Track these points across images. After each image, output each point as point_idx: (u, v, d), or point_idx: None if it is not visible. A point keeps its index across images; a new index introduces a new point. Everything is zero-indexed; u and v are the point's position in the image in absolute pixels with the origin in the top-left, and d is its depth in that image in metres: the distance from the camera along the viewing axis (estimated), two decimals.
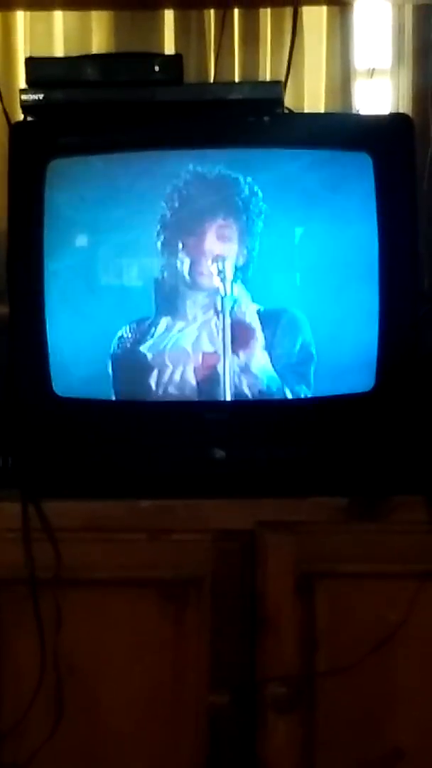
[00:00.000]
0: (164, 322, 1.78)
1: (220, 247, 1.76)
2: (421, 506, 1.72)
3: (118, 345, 1.78)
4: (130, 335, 1.78)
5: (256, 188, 1.76)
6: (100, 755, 1.77)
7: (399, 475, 1.76)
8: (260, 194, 1.76)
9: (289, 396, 1.78)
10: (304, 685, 1.74)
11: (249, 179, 1.76)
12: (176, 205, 1.76)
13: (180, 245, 1.77)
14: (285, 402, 1.79)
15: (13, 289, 1.81)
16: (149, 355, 1.78)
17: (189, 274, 1.77)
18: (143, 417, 1.80)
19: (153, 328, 1.78)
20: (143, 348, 1.78)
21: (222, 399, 1.78)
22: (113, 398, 1.79)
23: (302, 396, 1.78)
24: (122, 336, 1.78)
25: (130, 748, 1.76)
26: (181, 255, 1.77)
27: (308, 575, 1.74)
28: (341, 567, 1.74)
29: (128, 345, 1.78)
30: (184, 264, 1.77)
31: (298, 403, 1.79)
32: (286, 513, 1.74)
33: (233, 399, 1.78)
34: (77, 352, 1.78)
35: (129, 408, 1.80)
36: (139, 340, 1.78)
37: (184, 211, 1.77)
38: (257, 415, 1.79)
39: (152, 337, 1.78)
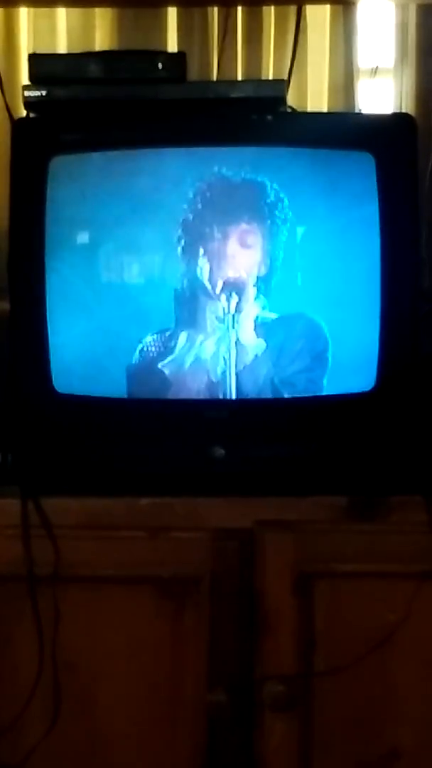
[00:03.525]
0: (184, 335, 1.77)
1: (242, 253, 1.76)
2: (420, 506, 1.72)
3: (139, 358, 1.77)
4: (153, 349, 1.77)
5: (282, 194, 1.75)
6: (97, 753, 1.77)
7: (398, 475, 1.76)
8: (286, 201, 1.75)
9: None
10: (302, 685, 1.74)
11: (275, 185, 1.75)
12: (195, 212, 1.75)
13: (200, 251, 1.76)
14: (285, 401, 1.79)
15: (14, 285, 1.80)
16: (167, 371, 1.78)
17: (209, 282, 1.76)
18: (143, 415, 1.80)
19: (173, 341, 1.77)
20: (161, 364, 1.77)
21: (222, 397, 1.78)
22: (113, 396, 1.79)
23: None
24: (144, 349, 1.77)
25: (127, 747, 1.76)
26: (201, 261, 1.76)
27: (307, 574, 1.74)
28: (340, 566, 1.74)
29: (149, 358, 1.77)
30: (204, 271, 1.76)
31: (298, 403, 1.79)
32: (286, 512, 1.74)
33: (233, 398, 1.78)
34: (78, 349, 1.78)
35: (129, 406, 1.80)
36: (160, 354, 1.77)
37: (204, 217, 1.76)
38: (257, 414, 1.79)
39: (172, 352, 1.77)
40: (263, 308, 1.76)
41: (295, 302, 1.77)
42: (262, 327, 1.77)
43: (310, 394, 1.78)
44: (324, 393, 1.77)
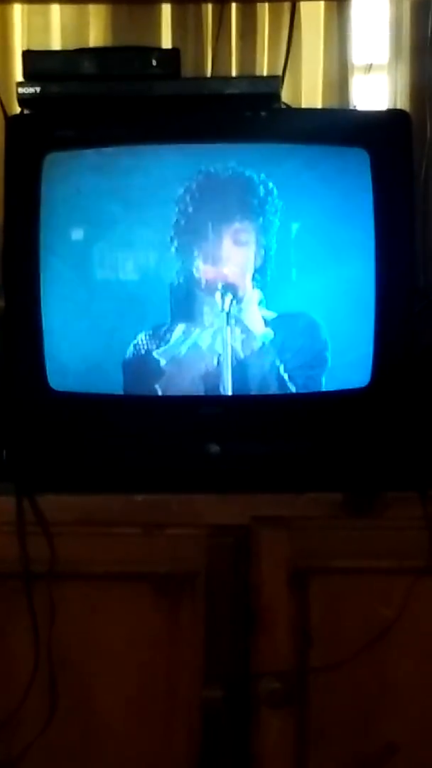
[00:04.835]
0: (180, 330, 1.77)
1: (236, 251, 1.76)
2: (415, 502, 1.72)
3: (133, 352, 1.77)
4: (148, 343, 1.77)
5: (270, 185, 1.75)
6: (94, 749, 1.77)
7: (393, 471, 1.76)
8: (275, 191, 1.75)
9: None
10: (297, 681, 1.74)
11: (262, 176, 1.75)
12: (189, 209, 1.75)
13: (194, 251, 1.76)
14: (280, 397, 1.79)
15: (8, 282, 1.80)
16: (162, 361, 1.78)
17: (203, 280, 1.76)
18: (138, 411, 1.80)
19: (169, 335, 1.77)
20: (156, 353, 1.77)
21: (217, 394, 1.78)
22: (108, 393, 1.79)
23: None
24: (138, 344, 1.77)
25: (123, 743, 1.76)
26: (195, 258, 1.76)
27: (302, 571, 1.74)
28: (335, 562, 1.74)
29: (143, 352, 1.77)
30: (199, 268, 1.76)
31: (294, 399, 1.79)
32: (281, 508, 1.74)
33: (228, 394, 1.78)
34: (73, 346, 1.78)
35: (124, 403, 1.80)
36: (155, 346, 1.77)
37: (198, 214, 1.76)
38: (252, 410, 1.79)
39: (167, 342, 1.77)
40: (260, 304, 1.76)
41: (292, 299, 1.77)
42: (260, 325, 1.77)
43: (309, 390, 1.78)
44: (323, 388, 1.78)
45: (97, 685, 1.76)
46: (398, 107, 2.24)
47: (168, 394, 1.79)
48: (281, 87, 2.01)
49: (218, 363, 1.78)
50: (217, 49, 2.27)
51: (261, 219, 1.76)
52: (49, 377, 1.77)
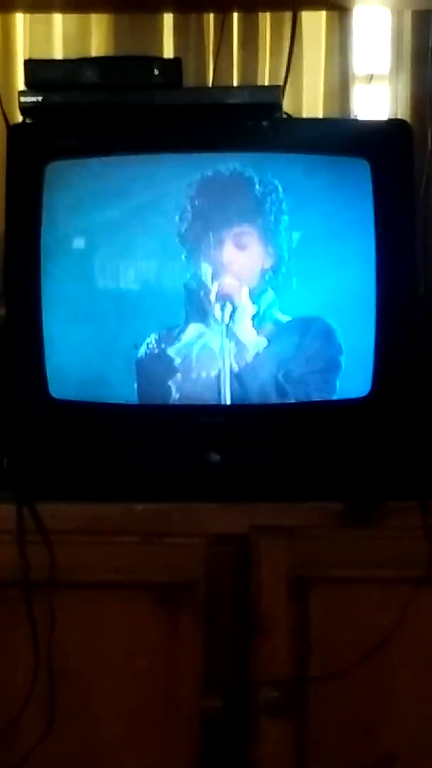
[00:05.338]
0: (192, 329, 1.77)
1: (240, 256, 1.76)
2: (415, 512, 1.72)
3: (146, 352, 1.78)
4: (157, 343, 1.77)
5: (276, 183, 1.75)
6: (93, 759, 1.77)
7: (393, 480, 1.76)
8: (280, 188, 1.75)
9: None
10: (296, 690, 1.74)
11: (268, 176, 1.75)
12: (190, 213, 1.76)
13: (198, 255, 1.76)
14: (281, 406, 1.79)
15: (10, 291, 1.81)
16: (177, 360, 1.78)
17: (206, 288, 1.77)
18: (138, 420, 1.80)
19: (181, 335, 1.78)
20: (170, 351, 1.78)
21: (218, 403, 1.78)
22: (109, 402, 1.79)
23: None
24: (150, 343, 1.78)
25: (122, 752, 1.76)
26: (201, 264, 1.76)
27: (302, 580, 1.74)
28: (335, 572, 1.74)
29: (155, 351, 1.78)
30: (203, 274, 1.76)
31: (294, 408, 1.79)
32: (281, 517, 1.74)
33: (229, 403, 1.78)
34: (74, 354, 1.78)
35: (124, 411, 1.80)
36: (165, 347, 1.78)
37: (200, 217, 1.76)
38: (253, 419, 1.79)
39: (180, 341, 1.77)
40: (272, 306, 1.76)
41: (302, 304, 1.77)
42: (261, 325, 1.77)
43: (321, 394, 1.78)
44: (336, 394, 1.78)
45: (97, 693, 1.76)
46: (399, 117, 2.24)
47: (181, 392, 1.78)
48: (282, 97, 2.01)
49: (220, 371, 1.78)
50: (218, 58, 2.27)
51: (265, 218, 1.76)
52: (49, 385, 1.77)
